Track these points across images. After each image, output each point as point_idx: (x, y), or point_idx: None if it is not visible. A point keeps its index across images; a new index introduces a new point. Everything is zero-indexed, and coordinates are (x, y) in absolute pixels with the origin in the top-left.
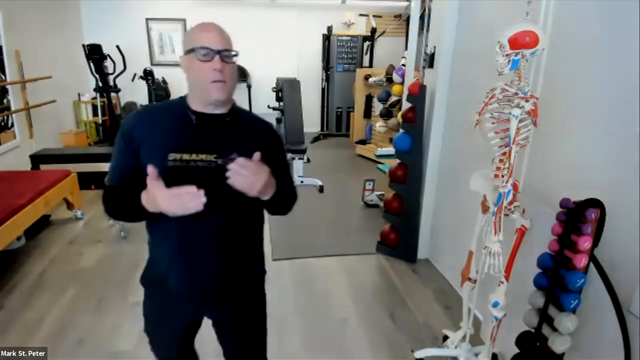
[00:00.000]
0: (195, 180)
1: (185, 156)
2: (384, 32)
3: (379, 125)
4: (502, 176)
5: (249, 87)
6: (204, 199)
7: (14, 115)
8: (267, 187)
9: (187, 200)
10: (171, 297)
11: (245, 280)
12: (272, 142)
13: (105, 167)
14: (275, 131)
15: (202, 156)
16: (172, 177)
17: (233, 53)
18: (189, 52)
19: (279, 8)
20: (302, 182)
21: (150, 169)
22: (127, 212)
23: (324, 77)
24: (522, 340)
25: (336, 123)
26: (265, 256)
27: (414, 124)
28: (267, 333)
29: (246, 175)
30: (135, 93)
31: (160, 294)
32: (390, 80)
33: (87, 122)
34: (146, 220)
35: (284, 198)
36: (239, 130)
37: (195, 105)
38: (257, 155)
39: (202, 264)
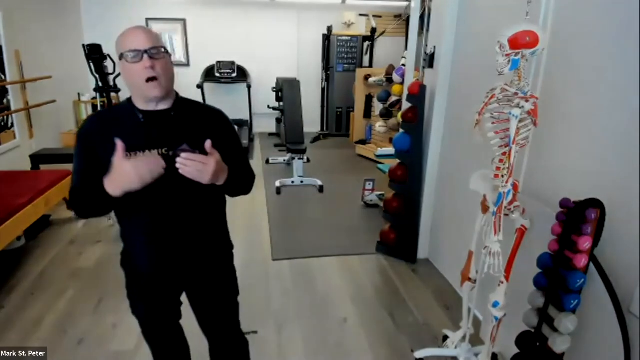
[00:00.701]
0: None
1: (139, 153)
2: (384, 32)
3: (379, 125)
4: (502, 176)
5: (249, 87)
6: (163, 163)
7: (14, 115)
8: (218, 174)
9: (151, 163)
10: (146, 278)
11: (211, 256)
12: (222, 128)
13: None
14: (225, 117)
15: (155, 151)
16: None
17: (162, 49)
18: (120, 57)
19: (279, 8)
20: (302, 182)
21: (119, 143)
22: (93, 204)
23: (324, 77)
24: (522, 340)
25: (336, 123)
26: (265, 256)
27: (414, 124)
28: (238, 305)
29: (192, 165)
30: None
31: (137, 276)
32: (390, 80)
33: None
34: (112, 208)
35: (239, 180)
36: (186, 122)
37: (140, 104)
38: (208, 142)
39: (170, 246)
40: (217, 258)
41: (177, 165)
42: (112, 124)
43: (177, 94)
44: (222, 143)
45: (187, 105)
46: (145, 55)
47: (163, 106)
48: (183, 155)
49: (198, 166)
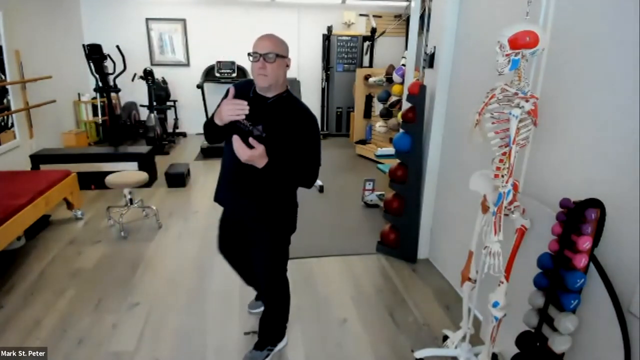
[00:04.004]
0: (235, 132)
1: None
2: (384, 32)
3: (379, 125)
4: (502, 176)
5: None
6: (246, 111)
7: (14, 115)
8: (253, 160)
9: (237, 107)
10: (224, 214)
11: (267, 209)
12: (301, 126)
13: (105, 167)
14: (309, 120)
15: (245, 121)
16: (229, 126)
17: (273, 55)
18: (249, 54)
19: (279, 8)
20: None
21: (232, 91)
22: (209, 127)
23: (324, 77)
24: (522, 340)
25: (336, 123)
26: None
27: (414, 124)
28: (284, 255)
29: (236, 146)
30: (135, 93)
31: (222, 211)
32: (390, 80)
33: (87, 122)
34: (220, 138)
35: (289, 171)
36: (277, 111)
37: (257, 88)
38: (253, 141)
39: (237, 191)
40: (268, 218)
41: (232, 139)
42: (241, 90)
43: (286, 91)
44: (297, 138)
45: (289, 101)
46: (261, 58)
47: (268, 95)
48: (235, 137)
49: (237, 147)
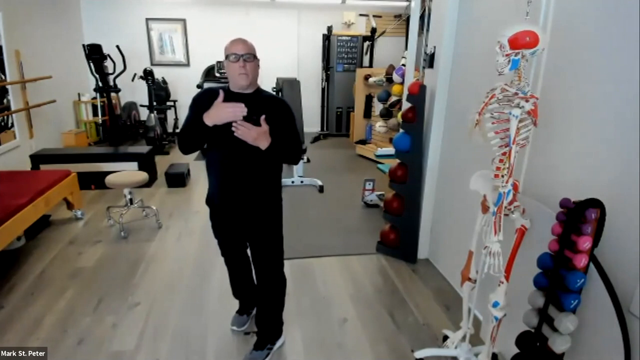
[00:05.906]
0: (229, 128)
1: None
2: (384, 32)
3: (379, 125)
4: (502, 176)
5: None
6: (244, 112)
7: (14, 115)
8: (259, 140)
9: (236, 110)
10: (218, 209)
11: (262, 201)
12: (281, 111)
13: (105, 167)
14: (285, 106)
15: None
16: (218, 126)
17: (251, 56)
18: (226, 57)
19: (279, 8)
20: (302, 182)
21: (221, 94)
22: (193, 135)
23: (324, 77)
24: (522, 340)
25: (336, 123)
26: None
27: (414, 124)
28: (281, 250)
29: (242, 130)
30: (135, 93)
31: (213, 207)
32: (390, 80)
33: (87, 122)
34: (203, 142)
35: (281, 150)
36: (259, 103)
37: (234, 89)
38: (262, 117)
39: (232, 185)
40: (267, 206)
41: (232, 128)
42: (214, 96)
43: (258, 86)
44: (275, 121)
45: (263, 93)
46: (241, 59)
47: (248, 91)
48: (239, 122)
49: (245, 131)
